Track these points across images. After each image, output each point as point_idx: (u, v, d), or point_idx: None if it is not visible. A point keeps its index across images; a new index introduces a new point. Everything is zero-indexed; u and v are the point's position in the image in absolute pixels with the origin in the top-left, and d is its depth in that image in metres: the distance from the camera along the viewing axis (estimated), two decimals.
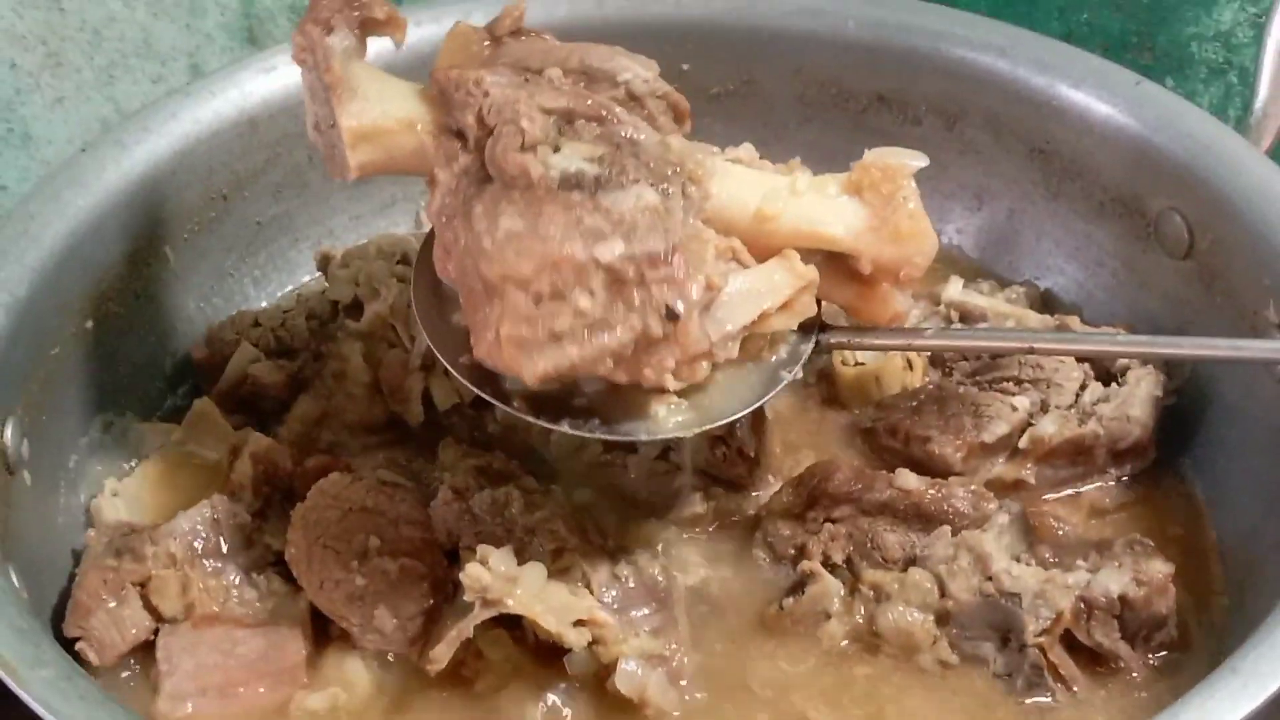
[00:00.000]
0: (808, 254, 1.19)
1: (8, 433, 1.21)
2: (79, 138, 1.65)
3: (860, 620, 1.23)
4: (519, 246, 1.07)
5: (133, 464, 1.37)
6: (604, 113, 1.13)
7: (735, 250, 1.16)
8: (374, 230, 1.58)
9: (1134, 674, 1.20)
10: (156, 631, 1.21)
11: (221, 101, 1.46)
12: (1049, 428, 1.34)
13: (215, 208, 1.47)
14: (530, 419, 1.16)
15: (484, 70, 1.13)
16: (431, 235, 1.16)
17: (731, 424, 1.28)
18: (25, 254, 1.29)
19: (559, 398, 1.16)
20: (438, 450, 1.34)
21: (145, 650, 1.21)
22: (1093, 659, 1.21)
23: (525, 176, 1.08)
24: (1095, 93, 1.45)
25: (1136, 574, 1.21)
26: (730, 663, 1.22)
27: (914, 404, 1.39)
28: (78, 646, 1.18)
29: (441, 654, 1.17)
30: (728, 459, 1.33)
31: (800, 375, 1.22)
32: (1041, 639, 1.19)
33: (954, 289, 1.47)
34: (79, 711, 0.96)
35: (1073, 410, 1.36)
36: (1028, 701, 1.19)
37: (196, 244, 1.46)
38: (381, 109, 1.15)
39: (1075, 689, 1.19)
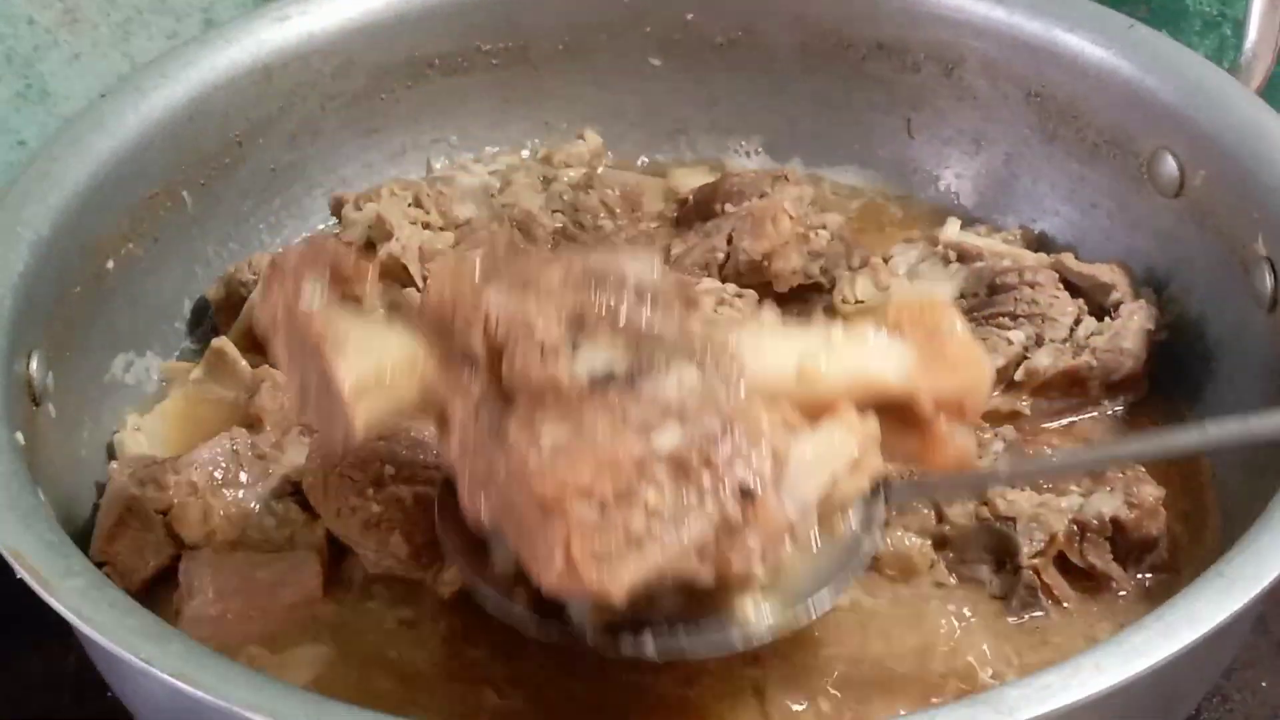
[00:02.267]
0: (861, 408, 1.09)
1: (33, 365, 1.25)
2: (96, 93, 1.67)
3: None
4: (570, 455, 0.96)
5: (153, 401, 1.40)
6: (616, 308, 1.05)
7: (786, 416, 1.05)
8: (386, 177, 1.60)
9: (1124, 593, 1.23)
10: (178, 558, 1.24)
11: (236, 49, 1.49)
12: (1044, 360, 1.38)
13: (231, 154, 1.50)
14: (613, 651, 1.06)
15: (481, 287, 1.06)
16: (446, 492, 1.10)
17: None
18: (48, 195, 1.32)
19: (634, 618, 1.06)
20: None
21: (169, 576, 1.24)
22: (1085, 580, 1.23)
23: (554, 384, 1.00)
24: (1089, 36, 1.48)
25: (1128, 497, 1.24)
26: None
27: None
28: (103, 571, 1.21)
29: (454, 577, 1.21)
30: None
31: (881, 545, 1.14)
32: (1036, 561, 1.22)
33: (951, 230, 1.50)
34: (109, 618, 0.99)
35: (1067, 343, 1.39)
36: (1025, 618, 1.22)
37: (213, 189, 1.50)
38: (377, 355, 1.05)
39: (1067, 605, 1.22)
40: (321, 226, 1.58)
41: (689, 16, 1.61)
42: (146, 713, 1.14)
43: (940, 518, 1.26)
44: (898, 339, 1.11)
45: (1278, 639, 1.43)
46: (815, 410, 1.06)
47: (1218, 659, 1.14)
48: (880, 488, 1.11)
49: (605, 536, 0.95)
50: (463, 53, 1.61)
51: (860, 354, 1.10)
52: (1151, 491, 1.25)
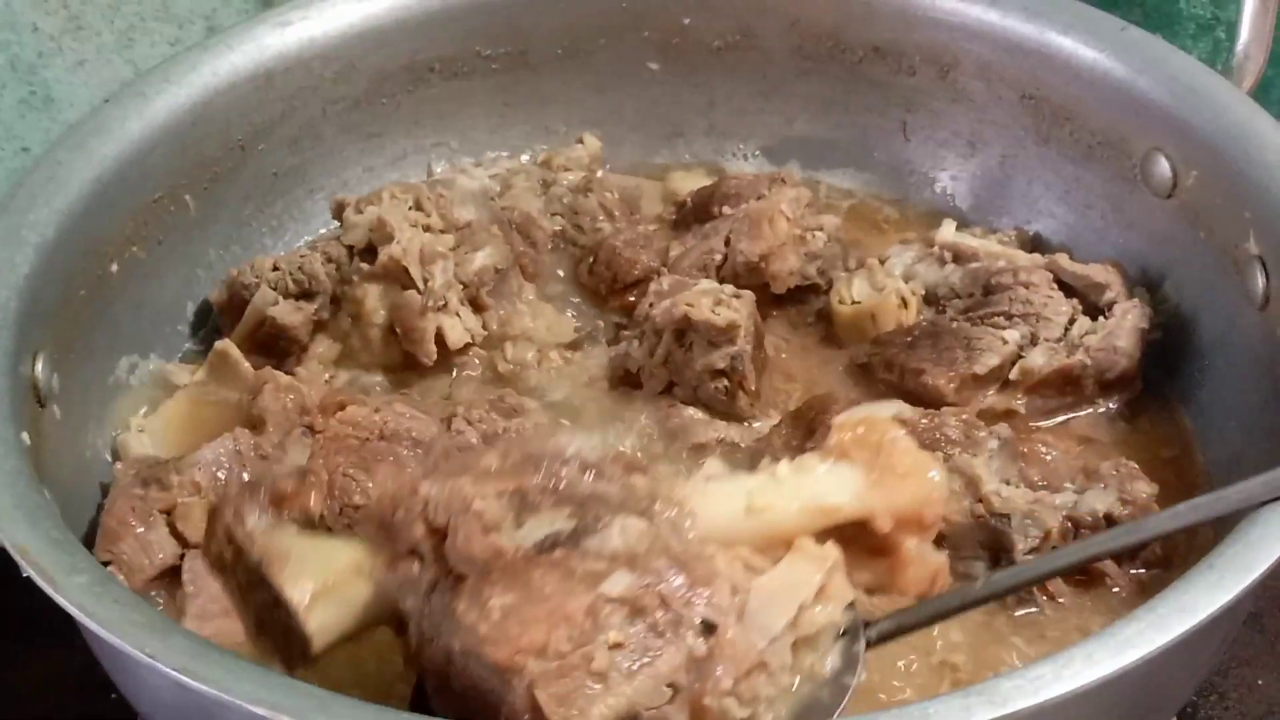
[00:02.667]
0: (821, 538, 1.07)
1: (38, 366, 1.26)
2: (100, 99, 1.68)
3: None
4: (520, 616, 0.97)
5: (156, 403, 1.41)
6: (557, 481, 1.05)
7: (744, 558, 1.04)
8: (387, 181, 1.61)
9: (1118, 588, 1.25)
10: (182, 557, 1.25)
11: (238, 55, 1.50)
12: (1038, 359, 1.39)
13: (233, 158, 1.52)
14: None
15: (418, 483, 1.05)
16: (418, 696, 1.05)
17: (734, 354, 1.34)
18: (53, 198, 1.33)
19: None
20: (450, 387, 1.39)
21: (172, 575, 1.25)
22: (1079, 575, 1.25)
23: (499, 555, 1.00)
24: (1083, 39, 1.49)
25: (1122, 494, 1.26)
26: None
27: (909, 339, 1.43)
28: (108, 570, 1.22)
29: None
30: (729, 392, 1.38)
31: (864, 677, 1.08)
32: (1030, 557, 1.23)
33: (947, 231, 1.52)
34: (114, 614, 1.00)
35: (1061, 343, 1.40)
36: (1018, 614, 1.23)
37: (216, 193, 1.51)
38: (325, 565, 1.04)
39: (1062, 600, 1.23)
40: (323, 230, 1.59)
41: (686, 21, 1.62)
42: (151, 708, 1.15)
43: None
44: (845, 463, 1.10)
45: (1273, 636, 1.45)
46: (774, 548, 1.05)
47: (1210, 651, 1.15)
48: (857, 627, 1.07)
49: (567, 680, 0.95)
50: (463, 57, 1.63)
51: (809, 484, 1.09)
52: (1145, 488, 1.27)
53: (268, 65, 1.52)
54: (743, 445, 1.38)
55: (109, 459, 1.37)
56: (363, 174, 1.63)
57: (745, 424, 1.40)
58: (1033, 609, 1.24)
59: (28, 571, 1.03)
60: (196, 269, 1.52)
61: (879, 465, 1.09)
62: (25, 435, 1.18)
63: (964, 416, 1.32)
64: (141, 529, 1.25)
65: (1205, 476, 1.36)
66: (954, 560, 1.24)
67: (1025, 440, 1.34)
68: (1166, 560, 1.27)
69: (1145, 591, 1.24)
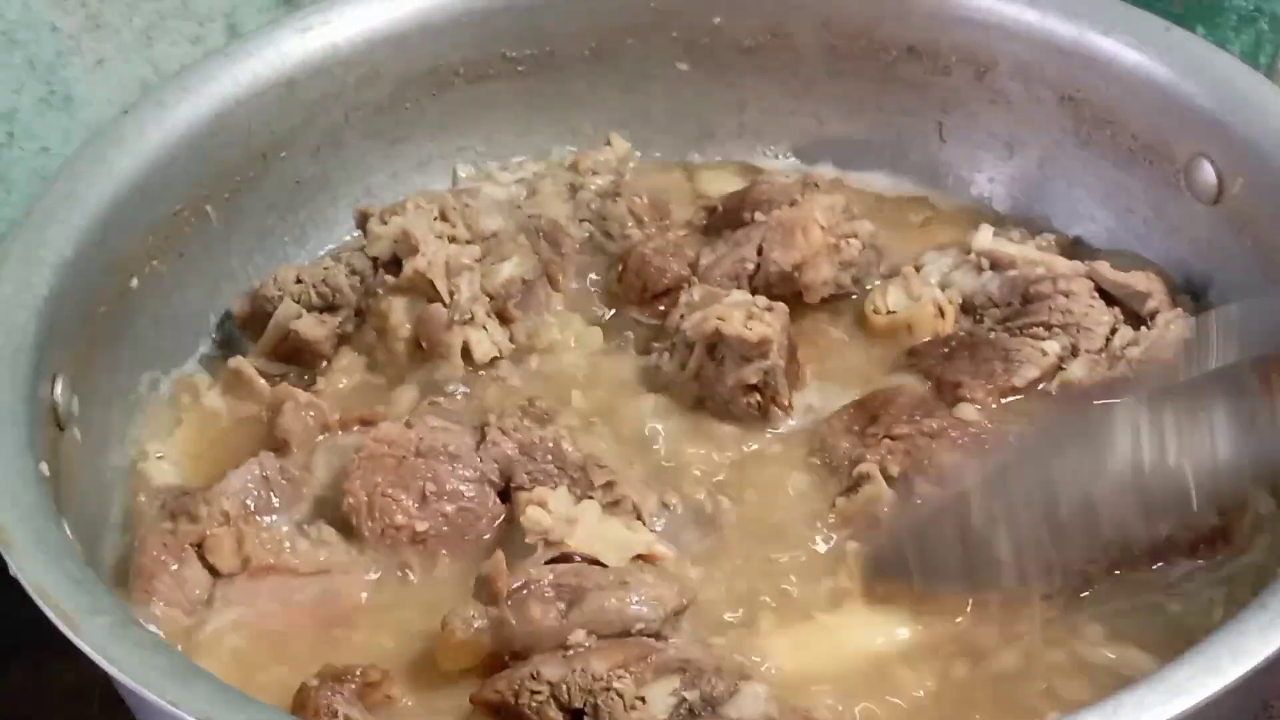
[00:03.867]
0: None
1: (58, 389, 1.24)
2: (119, 99, 1.67)
3: None
4: None
5: (176, 422, 1.40)
6: (654, 650, 1.14)
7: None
8: (411, 187, 1.59)
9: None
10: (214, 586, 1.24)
11: (258, 62, 1.48)
12: (1079, 371, 1.36)
13: (255, 167, 1.49)
14: None
15: (529, 666, 1.12)
16: None
17: (767, 369, 1.33)
18: (71, 215, 1.31)
19: None
20: (477, 395, 1.39)
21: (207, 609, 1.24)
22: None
23: None
24: (1124, 39, 1.46)
25: (1186, 520, 1.22)
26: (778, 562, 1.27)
27: (945, 350, 1.41)
28: (152, 607, 1.21)
29: None
30: (762, 407, 1.36)
31: None
32: (1088, 567, 1.22)
33: (984, 237, 1.49)
34: (135, 658, 0.99)
35: (1103, 354, 1.37)
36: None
37: (237, 203, 1.49)
38: None
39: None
40: (347, 238, 1.57)
41: (716, 20, 1.60)
42: None
43: None
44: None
45: None
46: None
47: (1263, 690, 1.13)
48: None
49: None
50: (488, 60, 1.60)
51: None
52: (1208, 519, 1.24)
53: (289, 72, 1.49)
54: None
55: (130, 477, 1.36)
56: (387, 180, 1.60)
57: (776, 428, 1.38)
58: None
59: (47, 613, 1.02)
60: (219, 281, 1.49)
61: None
62: (44, 465, 1.16)
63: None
64: (175, 565, 1.23)
65: None
66: None
67: None
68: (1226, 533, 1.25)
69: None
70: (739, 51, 1.62)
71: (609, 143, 1.65)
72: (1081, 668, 1.17)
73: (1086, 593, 1.22)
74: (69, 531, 1.13)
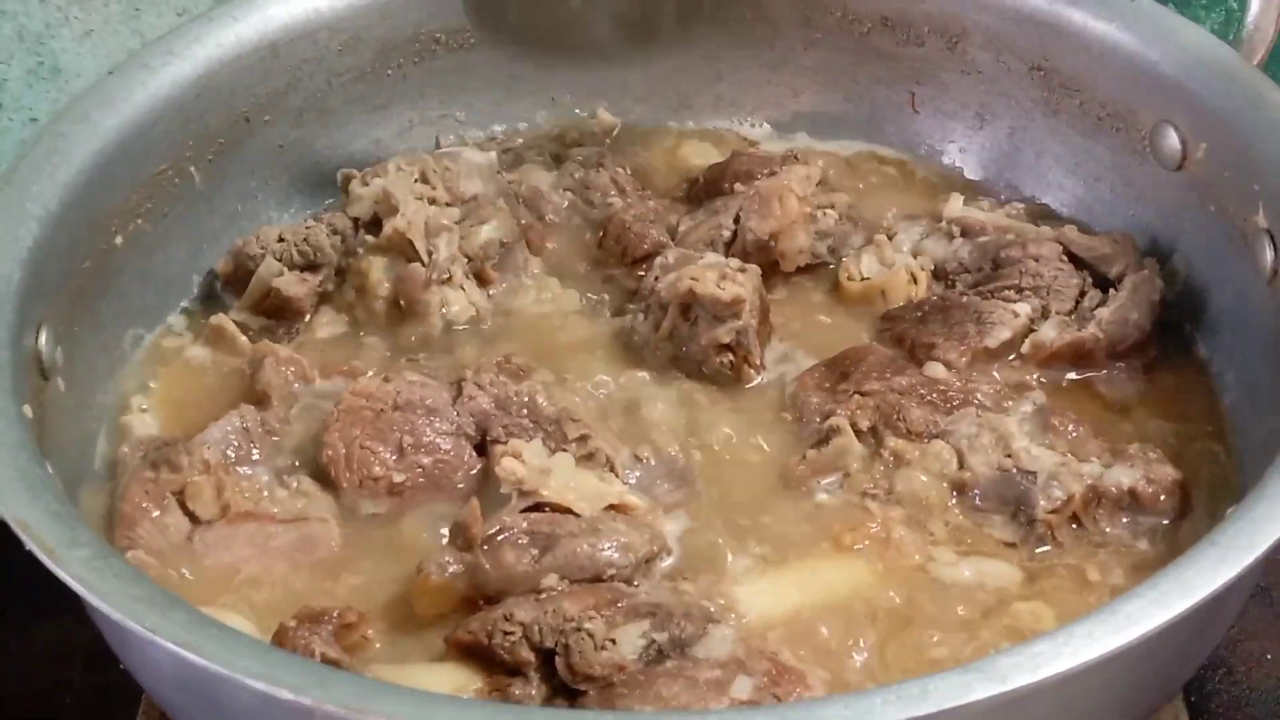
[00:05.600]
0: None
1: (42, 339, 1.26)
2: (107, 70, 1.69)
3: (878, 478, 1.29)
4: None
5: (158, 375, 1.42)
6: (624, 595, 1.16)
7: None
8: (393, 154, 1.60)
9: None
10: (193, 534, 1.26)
11: (243, 26, 1.50)
12: (1050, 332, 1.39)
13: (238, 130, 1.51)
14: None
15: (502, 608, 1.14)
16: None
17: (739, 329, 1.36)
18: (57, 170, 1.33)
19: None
20: (455, 351, 1.41)
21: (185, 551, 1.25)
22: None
23: (619, 669, 1.10)
24: (1092, 10, 1.49)
25: (1148, 474, 1.26)
26: (749, 512, 1.29)
27: (919, 314, 1.43)
28: (129, 555, 1.22)
29: None
30: (735, 366, 1.39)
31: None
32: (1050, 517, 1.24)
33: (955, 205, 1.51)
34: (114, 587, 1.00)
35: (1073, 315, 1.40)
36: (1037, 551, 1.25)
37: (221, 165, 1.51)
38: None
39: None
40: (329, 201, 1.58)
41: None
42: (152, 681, 1.15)
43: (962, 464, 1.28)
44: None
45: None
46: None
47: (1213, 628, 1.15)
48: None
49: None
50: (469, 28, 1.62)
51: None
52: (1170, 472, 1.27)
53: (273, 37, 1.51)
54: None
55: (113, 431, 1.37)
56: (369, 146, 1.62)
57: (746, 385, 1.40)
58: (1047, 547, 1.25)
59: (29, 545, 1.03)
60: (201, 242, 1.51)
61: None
62: (28, 408, 1.17)
63: (998, 386, 1.34)
64: (157, 512, 1.24)
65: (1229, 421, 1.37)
66: (973, 511, 1.27)
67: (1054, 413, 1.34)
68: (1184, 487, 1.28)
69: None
70: (715, 22, 1.65)
71: (594, 116, 1.68)
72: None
73: (1048, 546, 1.25)
74: (50, 468, 1.14)
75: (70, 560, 1.02)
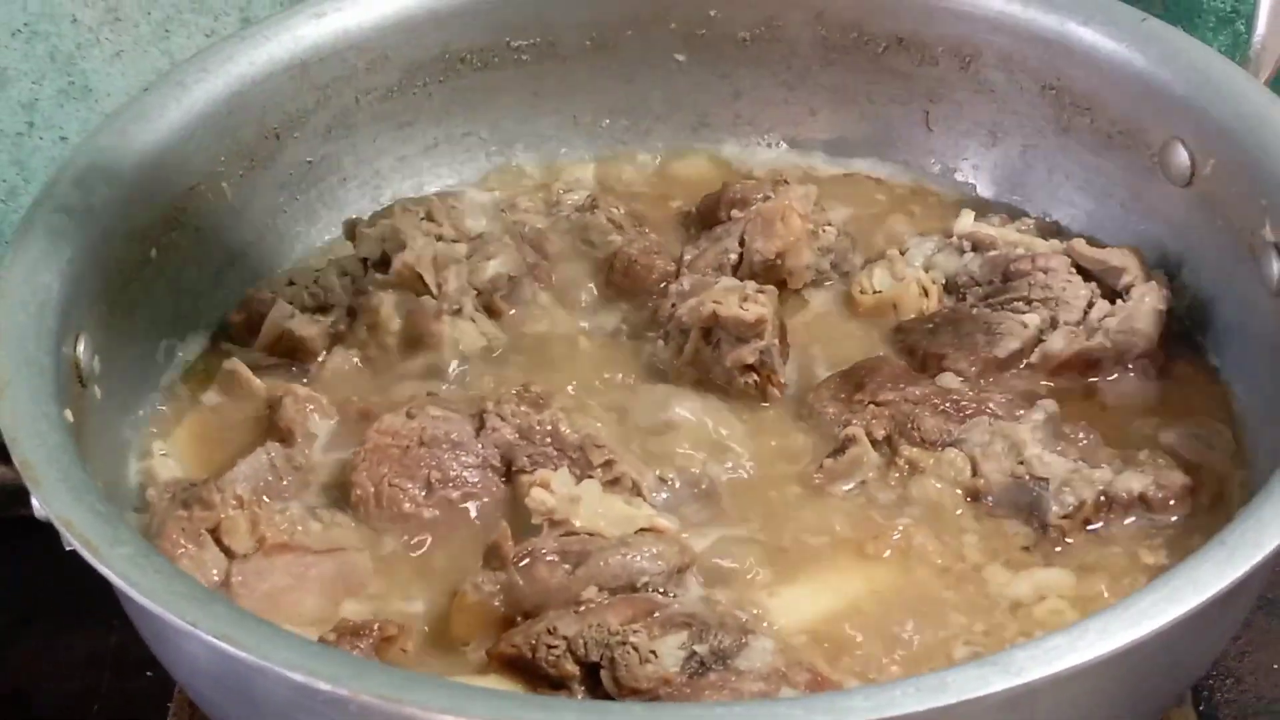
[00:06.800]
0: None
1: (80, 347, 1.29)
2: (136, 89, 1.72)
3: (894, 486, 1.32)
4: None
5: (178, 421, 1.44)
6: (660, 605, 1.18)
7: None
8: (419, 170, 1.66)
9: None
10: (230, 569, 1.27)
11: (274, 45, 1.53)
12: (1058, 343, 1.42)
13: (268, 147, 1.55)
14: None
15: (544, 622, 1.15)
16: None
17: (763, 349, 1.39)
18: (96, 185, 1.37)
19: None
20: (472, 383, 1.44)
21: (224, 589, 1.25)
22: None
23: (664, 683, 1.11)
24: (1103, 30, 1.51)
25: (1157, 479, 1.29)
26: (774, 524, 1.31)
27: (930, 326, 1.46)
28: None
29: None
30: (760, 386, 1.41)
31: None
32: (1063, 522, 1.27)
33: (965, 221, 1.54)
34: (156, 583, 1.03)
35: (1081, 326, 1.43)
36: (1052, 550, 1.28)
37: (251, 181, 1.54)
38: None
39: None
40: (355, 215, 1.60)
41: (712, 13, 1.65)
42: (190, 676, 1.18)
43: (975, 472, 1.31)
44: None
45: None
46: None
47: (1223, 626, 1.18)
48: None
49: None
50: (493, 48, 1.64)
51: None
52: (1179, 478, 1.30)
53: (302, 56, 1.54)
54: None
55: (146, 442, 1.40)
56: (395, 163, 1.65)
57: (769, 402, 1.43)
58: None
59: (71, 544, 1.06)
60: (233, 255, 1.54)
61: None
62: (69, 413, 1.20)
63: (1009, 396, 1.37)
64: (195, 549, 1.25)
65: (1239, 428, 1.39)
66: (987, 517, 1.30)
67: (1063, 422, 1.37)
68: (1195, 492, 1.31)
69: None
70: (734, 43, 1.67)
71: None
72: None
73: (1060, 548, 1.28)
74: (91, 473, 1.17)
75: (113, 558, 1.05)
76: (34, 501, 1.11)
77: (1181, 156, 1.46)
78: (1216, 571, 1.02)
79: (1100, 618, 0.99)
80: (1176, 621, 0.99)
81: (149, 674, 1.29)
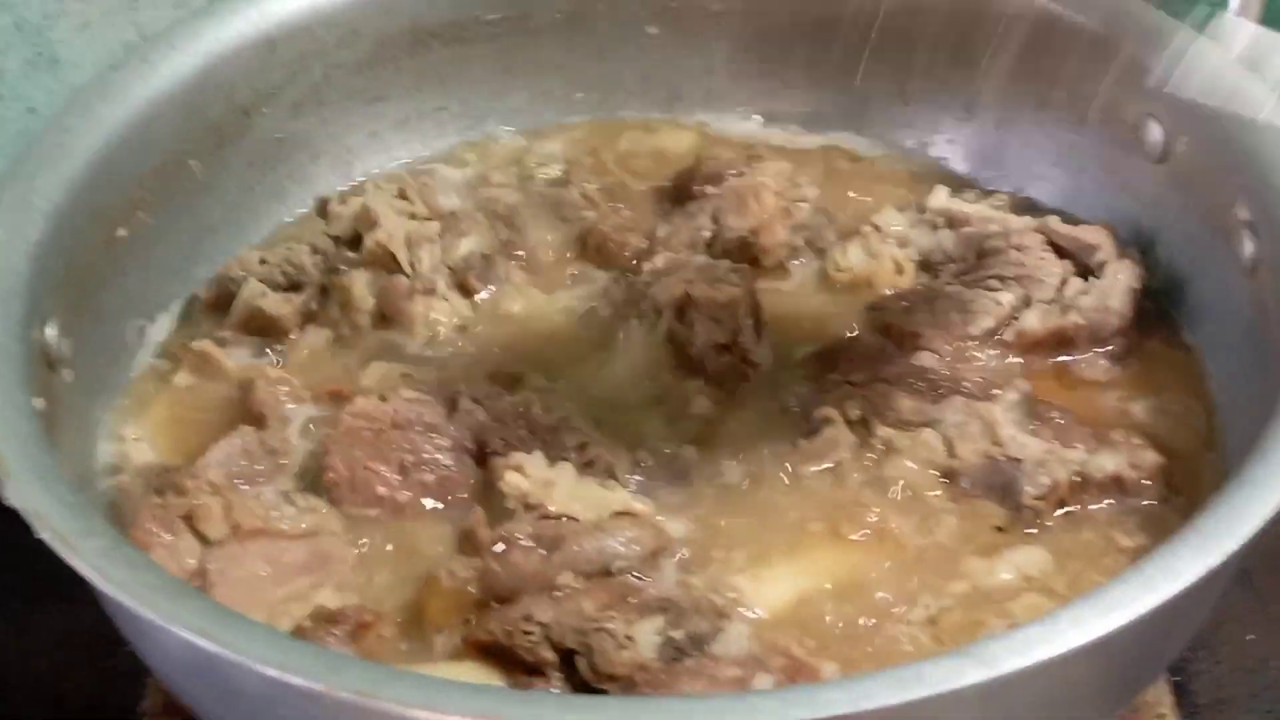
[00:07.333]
0: None
1: (50, 331, 1.28)
2: (104, 61, 1.69)
3: (870, 466, 1.32)
4: None
5: (148, 405, 1.43)
6: (636, 591, 1.18)
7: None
8: (390, 145, 1.65)
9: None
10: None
11: (241, 21, 1.52)
12: (1032, 320, 1.42)
13: (237, 123, 1.53)
14: None
15: (520, 608, 1.15)
16: None
17: (737, 329, 1.38)
18: (60, 165, 1.35)
19: None
20: (444, 364, 1.43)
21: (199, 577, 1.24)
22: None
23: (641, 669, 1.11)
24: (1077, 5, 1.51)
25: (1131, 460, 1.29)
26: (748, 506, 1.31)
27: (905, 304, 1.46)
28: None
29: None
30: (733, 367, 1.40)
31: None
32: (1037, 503, 1.27)
33: (940, 197, 1.54)
34: (128, 575, 1.02)
35: (1054, 304, 1.43)
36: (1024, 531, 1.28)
37: (220, 157, 1.53)
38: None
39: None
40: (326, 191, 1.60)
41: None
42: (164, 667, 1.17)
43: (951, 452, 1.31)
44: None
45: (1262, 593, 1.47)
46: None
47: (1200, 610, 1.18)
48: None
49: None
50: (464, 22, 1.63)
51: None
52: (1152, 457, 1.30)
53: (270, 31, 1.53)
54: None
55: (117, 422, 1.39)
56: (365, 139, 1.64)
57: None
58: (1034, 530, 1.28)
59: (42, 535, 1.05)
60: (202, 233, 1.53)
61: None
62: (39, 400, 1.19)
63: (984, 374, 1.38)
64: (170, 537, 1.24)
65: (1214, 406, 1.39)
66: (962, 498, 1.30)
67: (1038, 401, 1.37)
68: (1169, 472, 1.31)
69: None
70: (707, 16, 1.67)
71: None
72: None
73: (1034, 529, 1.28)
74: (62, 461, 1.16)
75: (85, 550, 1.04)
76: (4, 490, 1.10)
77: (1155, 133, 1.46)
78: (1192, 558, 1.02)
79: (1074, 607, 0.99)
80: (1152, 611, 0.99)
81: (125, 650, 1.28)
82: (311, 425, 1.36)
